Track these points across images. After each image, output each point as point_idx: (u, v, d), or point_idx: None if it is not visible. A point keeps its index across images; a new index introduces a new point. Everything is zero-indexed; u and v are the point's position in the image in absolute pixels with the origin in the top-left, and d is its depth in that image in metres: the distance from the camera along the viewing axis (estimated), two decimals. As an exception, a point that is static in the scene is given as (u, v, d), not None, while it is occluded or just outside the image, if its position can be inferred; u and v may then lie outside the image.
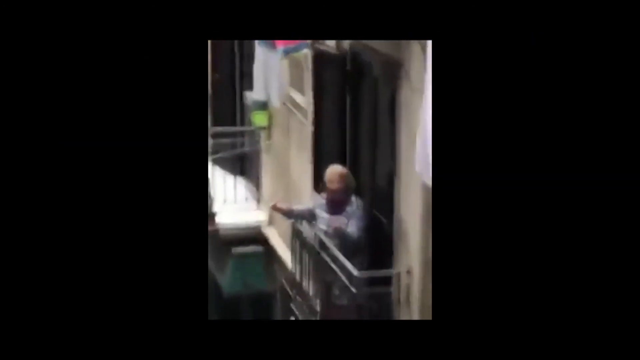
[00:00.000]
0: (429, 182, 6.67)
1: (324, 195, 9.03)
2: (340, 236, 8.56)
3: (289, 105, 11.09)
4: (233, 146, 13.23)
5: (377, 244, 8.56)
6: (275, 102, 10.87)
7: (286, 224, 10.36)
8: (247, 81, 12.76)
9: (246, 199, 12.95)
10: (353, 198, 8.68)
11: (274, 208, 9.73)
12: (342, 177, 8.72)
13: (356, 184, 8.81)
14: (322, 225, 8.88)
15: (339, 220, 8.64)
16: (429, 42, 6.00)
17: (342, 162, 9.25)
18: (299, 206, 9.59)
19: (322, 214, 8.89)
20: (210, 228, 11.92)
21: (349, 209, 8.65)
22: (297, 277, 9.53)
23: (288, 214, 9.50)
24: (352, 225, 8.53)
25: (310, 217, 9.09)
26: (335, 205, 8.76)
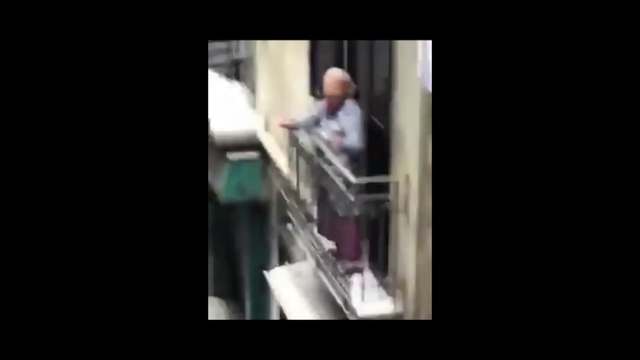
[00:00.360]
0: (429, 87, 6.62)
1: (321, 100, 8.91)
2: (341, 152, 8.45)
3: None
4: (228, 51, 13.09)
5: (374, 151, 8.48)
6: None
7: (282, 130, 10.26)
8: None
9: (242, 104, 12.84)
10: (351, 103, 8.55)
11: (282, 125, 9.51)
12: (340, 83, 8.59)
13: (354, 89, 8.68)
14: (323, 133, 8.78)
15: (337, 136, 8.52)
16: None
17: (339, 66, 9.11)
18: (303, 116, 9.44)
19: (324, 120, 8.77)
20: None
21: (343, 114, 8.51)
22: (294, 183, 9.47)
23: (296, 127, 9.32)
24: (351, 137, 8.42)
25: (315, 124, 8.98)
26: (334, 111, 8.64)
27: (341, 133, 8.46)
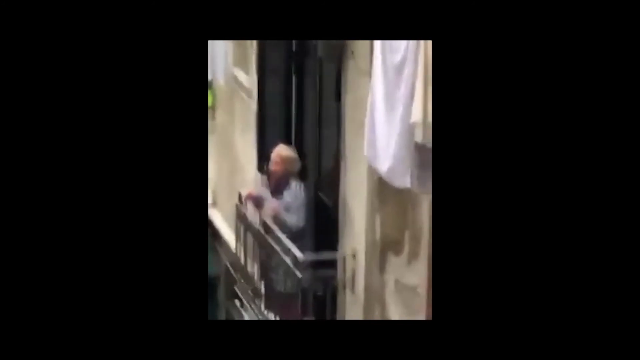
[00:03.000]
0: (379, 167, 6.63)
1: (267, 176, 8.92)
2: (277, 223, 8.45)
3: (233, 84, 10.95)
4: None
5: (322, 227, 8.48)
6: (220, 81, 10.73)
7: (230, 205, 10.24)
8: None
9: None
10: (293, 182, 8.55)
11: (249, 197, 9.35)
12: (283, 158, 8.59)
13: (300, 166, 8.68)
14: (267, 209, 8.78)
15: (274, 206, 8.53)
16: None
17: (288, 142, 9.14)
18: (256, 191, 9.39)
19: (268, 197, 8.77)
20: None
21: (286, 193, 8.53)
22: (242, 260, 9.43)
23: (260, 202, 9.15)
24: (289, 212, 8.41)
25: (262, 201, 8.96)
26: (277, 187, 8.64)
27: (278, 206, 8.47)
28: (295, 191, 8.49)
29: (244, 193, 9.40)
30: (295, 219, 8.38)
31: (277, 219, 8.43)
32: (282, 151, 8.70)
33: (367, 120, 6.76)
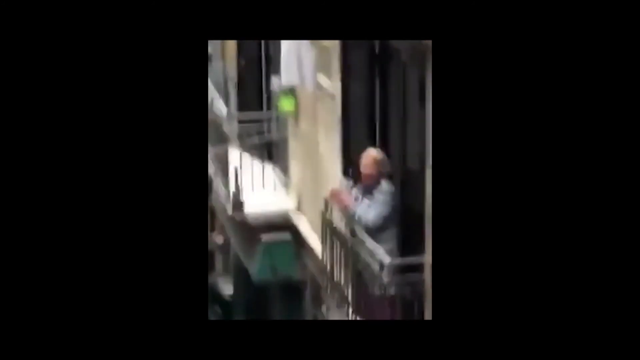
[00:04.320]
0: None
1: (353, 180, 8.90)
2: (359, 222, 8.43)
3: (317, 89, 10.94)
4: (260, 132, 13.11)
5: (409, 230, 8.42)
6: (308, 87, 10.73)
7: (315, 210, 10.21)
8: (273, 66, 12.64)
9: (274, 185, 12.83)
10: (383, 182, 8.52)
11: (335, 197, 9.31)
12: (375, 161, 8.58)
13: (390, 168, 8.65)
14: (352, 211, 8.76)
15: (349, 201, 8.53)
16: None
17: (372, 144, 9.10)
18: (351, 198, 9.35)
19: (359, 200, 8.76)
20: (239, 216, 11.85)
21: (376, 192, 8.51)
22: (327, 265, 9.39)
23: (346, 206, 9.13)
24: (371, 210, 8.38)
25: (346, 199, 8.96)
26: (368, 190, 8.63)
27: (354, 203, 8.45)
28: (383, 187, 8.48)
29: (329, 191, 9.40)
30: (373, 215, 8.35)
31: (356, 218, 8.42)
32: (373, 153, 8.69)
33: None
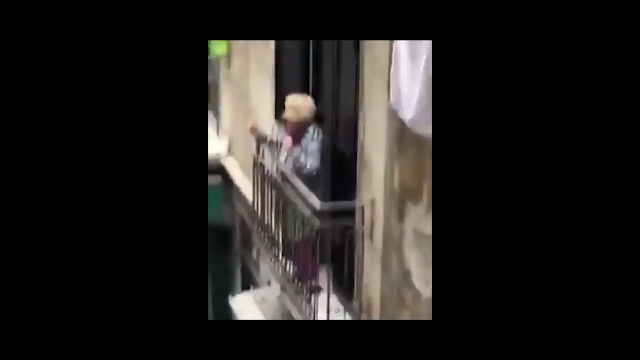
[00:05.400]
0: (403, 115, 6.62)
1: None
2: (294, 166, 8.47)
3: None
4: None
5: (340, 176, 8.47)
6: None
7: (246, 154, 10.23)
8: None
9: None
10: (310, 128, 8.54)
11: (252, 130, 9.45)
12: (296, 106, 8.59)
13: (316, 112, 8.65)
14: (283, 156, 8.78)
15: (288, 144, 8.57)
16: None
17: (305, 90, 9.11)
18: (270, 134, 9.43)
19: (287, 142, 8.77)
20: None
21: (303, 139, 8.53)
22: (258, 208, 9.43)
23: (263, 138, 9.28)
24: (305, 158, 8.41)
25: (264, 138, 9.03)
26: (294, 135, 8.63)
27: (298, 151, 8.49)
28: (311, 135, 8.49)
29: (249, 125, 9.45)
30: (310, 161, 8.37)
31: (295, 161, 8.44)
32: (294, 99, 8.70)
33: (392, 68, 6.75)
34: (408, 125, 6.60)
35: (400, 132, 7.06)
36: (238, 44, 11.67)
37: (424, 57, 6.16)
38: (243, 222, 11.55)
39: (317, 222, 7.91)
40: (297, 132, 8.59)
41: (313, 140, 8.46)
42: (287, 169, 8.58)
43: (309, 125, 8.55)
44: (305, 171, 8.37)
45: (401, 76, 6.56)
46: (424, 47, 6.16)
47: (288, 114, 8.65)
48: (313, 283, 8.31)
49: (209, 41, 12.19)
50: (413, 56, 6.38)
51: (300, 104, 8.64)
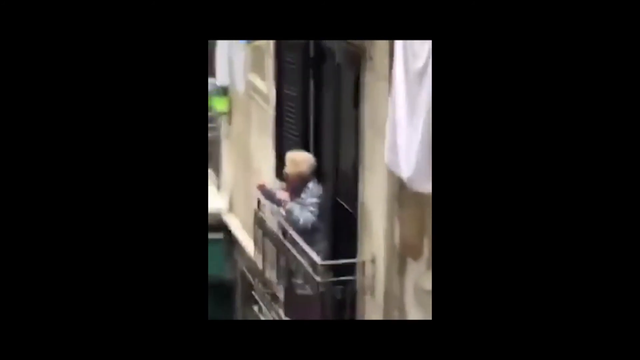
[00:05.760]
0: (400, 172, 6.62)
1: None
2: (289, 220, 8.47)
3: (250, 90, 10.98)
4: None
5: (341, 232, 8.48)
6: (239, 87, 10.75)
7: (247, 211, 10.25)
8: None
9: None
10: (310, 184, 8.56)
11: (260, 187, 9.42)
12: (295, 161, 8.63)
13: (315, 167, 8.67)
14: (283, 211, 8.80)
15: (285, 197, 8.59)
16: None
17: (305, 148, 9.15)
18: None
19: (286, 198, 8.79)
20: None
21: (303, 195, 8.55)
22: (259, 264, 9.44)
23: (270, 196, 9.26)
24: (300, 211, 8.43)
25: (273, 195, 9.02)
26: (293, 190, 8.66)
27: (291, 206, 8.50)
28: (311, 190, 8.51)
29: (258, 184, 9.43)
30: (304, 216, 8.38)
31: (289, 215, 8.45)
32: (294, 155, 8.76)
33: (387, 126, 6.75)
34: (406, 182, 6.60)
35: (401, 188, 7.08)
36: (238, 101, 11.74)
37: (423, 113, 6.16)
38: (245, 278, 11.54)
39: (318, 279, 7.91)
40: (297, 187, 8.62)
41: (311, 195, 8.48)
42: (287, 224, 8.59)
43: (308, 181, 8.58)
44: (299, 225, 8.37)
45: (398, 132, 6.56)
46: (423, 101, 6.16)
47: (288, 168, 8.70)
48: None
49: (210, 98, 12.29)
50: (411, 111, 6.37)
51: (299, 158, 8.69)
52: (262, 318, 9.56)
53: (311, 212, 8.42)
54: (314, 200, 8.47)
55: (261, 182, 9.52)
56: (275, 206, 9.01)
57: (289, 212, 8.50)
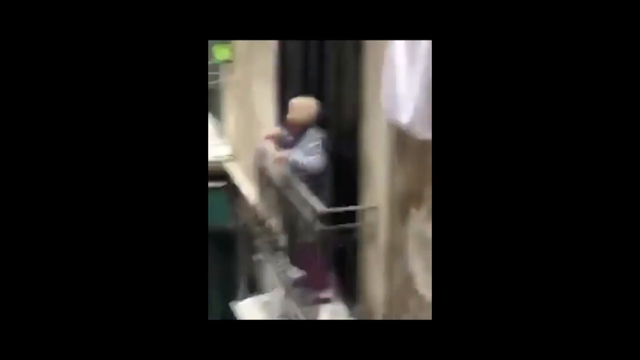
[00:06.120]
0: (399, 119, 6.60)
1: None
2: (288, 166, 8.42)
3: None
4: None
5: (342, 180, 8.45)
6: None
7: (249, 158, 10.22)
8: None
9: (209, 133, 12.80)
10: (311, 129, 8.51)
11: (271, 137, 9.32)
12: (299, 105, 8.59)
13: (318, 113, 8.62)
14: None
15: (282, 153, 8.53)
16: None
17: (307, 94, 9.10)
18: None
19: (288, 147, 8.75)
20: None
21: (304, 140, 8.50)
22: (261, 213, 9.42)
23: (280, 137, 9.15)
24: (296, 154, 8.37)
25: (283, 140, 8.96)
26: (296, 136, 8.62)
27: (285, 153, 8.45)
28: (311, 134, 8.46)
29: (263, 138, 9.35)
30: (312, 159, 8.33)
31: (294, 166, 8.40)
32: (297, 101, 8.70)
33: (385, 73, 6.72)
34: (405, 129, 6.57)
35: (401, 136, 7.04)
36: (241, 49, 11.67)
37: (423, 61, 6.13)
38: (247, 227, 11.54)
39: (319, 226, 7.89)
40: (298, 134, 8.58)
41: (313, 139, 8.43)
42: (290, 171, 8.55)
43: (310, 126, 8.53)
44: (308, 170, 8.31)
45: (397, 79, 6.53)
46: (423, 49, 6.13)
47: (290, 114, 8.65)
48: (323, 294, 8.29)
49: (211, 46, 12.23)
50: (410, 59, 6.35)
51: (302, 104, 8.63)
52: (265, 268, 9.57)
53: (317, 153, 8.36)
54: (317, 143, 8.41)
55: (268, 134, 9.40)
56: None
57: (293, 164, 8.44)
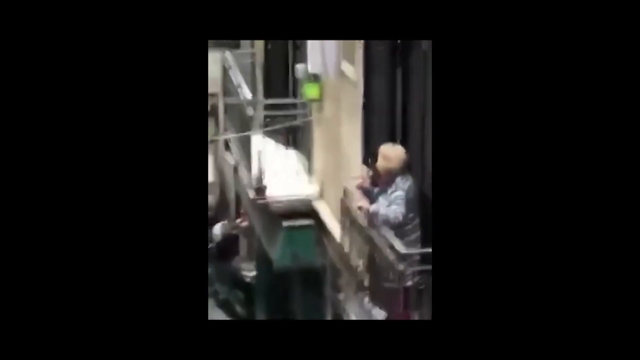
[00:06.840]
0: None
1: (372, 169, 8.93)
2: (376, 220, 8.44)
3: (341, 77, 10.96)
4: (284, 118, 13.15)
5: (427, 222, 8.43)
6: (332, 75, 10.76)
7: (336, 198, 10.24)
8: (298, 53, 12.68)
9: (297, 171, 12.86)
10: (398, 178, 8.52)
11: (359, 186, 9.36)
12: (388, 157, 8.60)
13: (407, 163, 8.64)
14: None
15: (364, 202, 8.55)
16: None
17: (392, 135, 9.12)
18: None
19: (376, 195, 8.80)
20: (261, 200, 11.90)
21: (389, 189, 8.54)
22: (346, 252, 9.43)
23: (367, 192, 9.17)
24: (378, 205, 8.41)
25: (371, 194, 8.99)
26: (382, 183, 8.65)
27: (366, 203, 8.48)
28: (397, 184, 8.48)
29: (355, 184, 9.36)
30: (392, 210, 8.35)
31: (374, 218, 8.44)
32: (386, 149, 8.71)
33: None
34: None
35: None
36: (329, 87, 11.73)
37: None
38: (333, 265, 11.55)
39: (402, 268, 7.88)
40: (386, 182, 8.62)
41: (398, 189, 8.45)
42: (377, 223, 8.58)
43: (397, 175, 8.56)
44: (390, 222, 8.35)
45: None
46: None
47: (379, 163, 8.67)
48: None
49: (304, 85, 12.32)
50: None
51: (391, 154, 8.64)
52: (349, 306, 9.57)
53: (399, 204, 8.39)
54: (400, 193, 8.43)
55: (359, 179, 9.42)
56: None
57: (373, 216, 8.47)
